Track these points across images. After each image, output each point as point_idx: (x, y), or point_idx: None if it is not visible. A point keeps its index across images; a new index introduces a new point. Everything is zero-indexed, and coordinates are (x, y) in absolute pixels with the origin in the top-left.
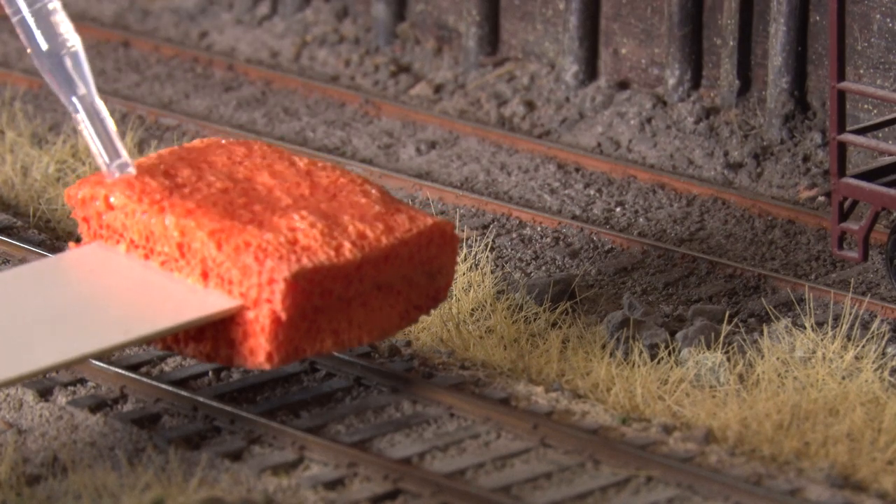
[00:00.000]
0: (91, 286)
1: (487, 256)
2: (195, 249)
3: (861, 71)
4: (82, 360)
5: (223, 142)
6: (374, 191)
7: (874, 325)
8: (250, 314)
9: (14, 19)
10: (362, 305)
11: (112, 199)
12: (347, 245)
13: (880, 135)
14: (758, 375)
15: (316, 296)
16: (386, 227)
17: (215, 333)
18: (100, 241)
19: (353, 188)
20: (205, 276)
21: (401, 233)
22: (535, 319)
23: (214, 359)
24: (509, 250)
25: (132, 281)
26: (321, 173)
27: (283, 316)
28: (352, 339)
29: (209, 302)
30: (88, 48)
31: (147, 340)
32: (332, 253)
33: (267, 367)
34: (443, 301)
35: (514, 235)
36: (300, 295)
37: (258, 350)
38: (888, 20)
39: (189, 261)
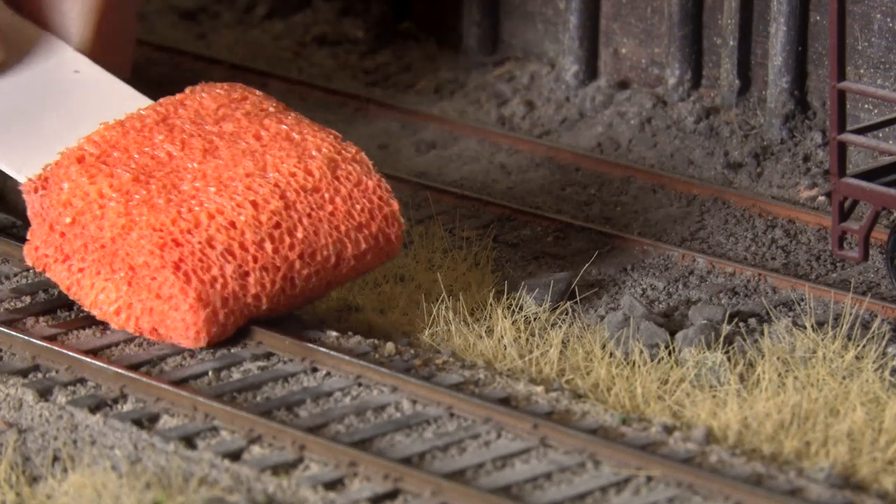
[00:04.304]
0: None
1: (487, 256)
2: None
3: (861, 70)
4: None
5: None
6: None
7: (875, 325)
8: None
9: None
10: None
11: None
12: None
13: (881, 135)
14: (758, 375)
15: None
16: None
17: None
18: None
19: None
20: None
21: None
22: (535, 319)
23: None
24: (509, 250)
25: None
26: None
27: None
28: None
29: None
30: None
31: None
32: None
33: None
34: None
35: (514, 235)
36: None
37: None
38: (888, 20)
39: None
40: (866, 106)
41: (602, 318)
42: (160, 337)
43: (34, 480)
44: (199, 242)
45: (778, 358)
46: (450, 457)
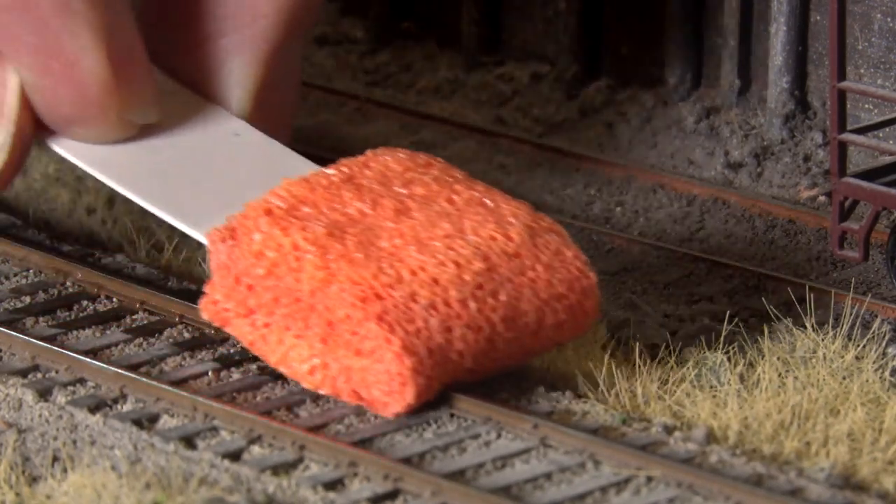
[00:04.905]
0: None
1: None
2: None
3: (861, 70)
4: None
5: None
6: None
7: (875, 325)
8: None
9: None
10: None
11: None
12: None
13: (881, 135)
14: (758, 375)
15: None
16: None
17: None
18: None
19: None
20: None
21: None
22: None
23: None
24: None
25: None
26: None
27: None
28: None
29: None
30: None
31: None
32: None
33: None
34: None
35: None
36: None
37: None
38: (889, 20)
39: None
40: (867, 106)
41: (602, 318)
42: (360, 399)
43: (34, 480)
44: (402, 297)
45: (778, 358)
46: (450, 457)
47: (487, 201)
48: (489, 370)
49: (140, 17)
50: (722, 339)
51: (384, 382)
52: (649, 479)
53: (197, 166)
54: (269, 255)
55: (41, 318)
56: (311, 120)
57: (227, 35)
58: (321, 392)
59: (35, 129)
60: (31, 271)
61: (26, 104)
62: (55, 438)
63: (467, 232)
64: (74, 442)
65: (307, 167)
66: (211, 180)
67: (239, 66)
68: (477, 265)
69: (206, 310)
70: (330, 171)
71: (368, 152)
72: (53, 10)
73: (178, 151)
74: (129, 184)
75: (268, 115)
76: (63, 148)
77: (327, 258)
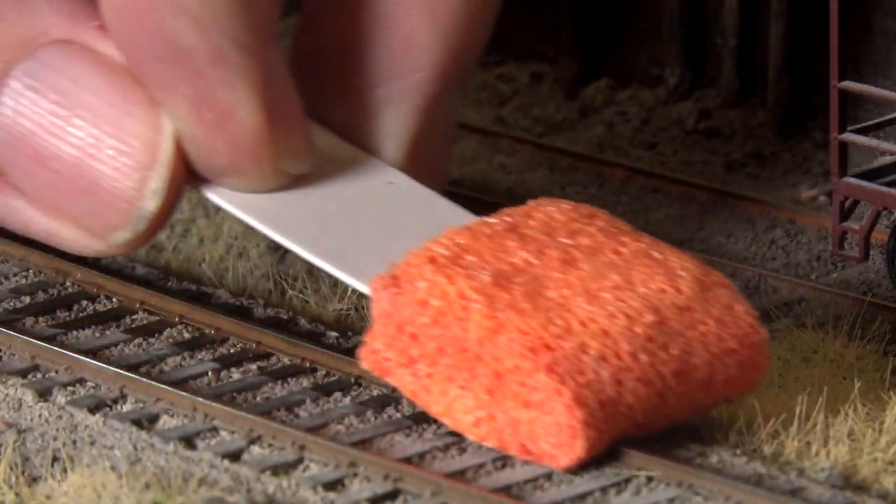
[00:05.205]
0: None
1: None
2: None
3: (862, 71)
4: None
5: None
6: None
7: (875, 325)
8: None
9: None
10: None
11: None
12: None
13: (881, 135)
14: None
15: None
16: None
17: None
18: None
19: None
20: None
21: None
22: None
23: None
24: None
25: None
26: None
27: None
28: None
29: None
30: None
31: None
32: None
33: None
34: None
35: None
36: None
37: None
38: (889, 20)
39: None
40: (867, 106)
41: None
42: (528, 453)
43: (33, 481)
44: (573, 348)
45: (778, 358)
46: (450, 457)
47: (655, 253)
48: (658, 425)
49: (293, 66)
50: None
51: (553, 435)
52: (649, 479)
53: (352, 215)
54: (434, 304)
55: (41, 318)
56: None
57: (382, 86)
58: (486, 444)
59: (188, 177)
60: (30, 271)
61: (180, 152)
62: (55, 439)
63: (636, 284)
64: (74, 442)
65: (464, 217)
66: (367, 229)
67: (394, 118)
68: (648, 318)
69: (366, 359)
70: (492, 220)
71: (531, 202)
72: (209, 60)
73: (332, 200)
74: (285, 231)
75: (422, 165)
76: (216, 195)
77: (495, 307)
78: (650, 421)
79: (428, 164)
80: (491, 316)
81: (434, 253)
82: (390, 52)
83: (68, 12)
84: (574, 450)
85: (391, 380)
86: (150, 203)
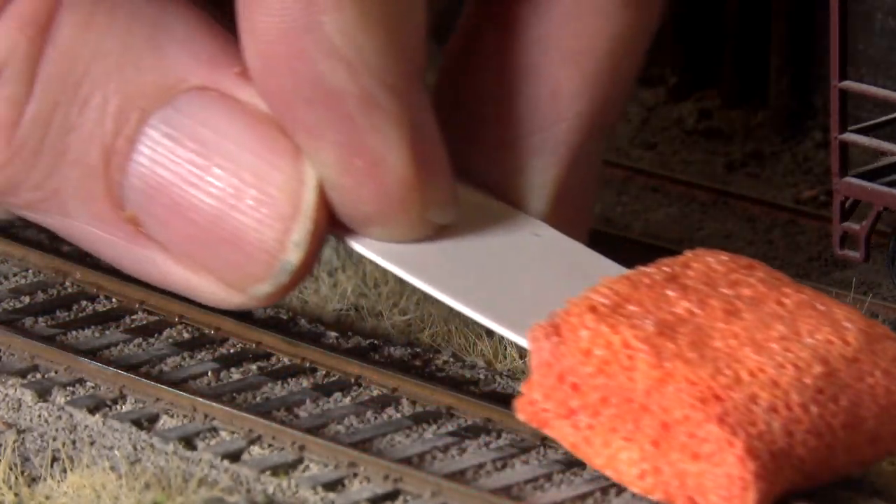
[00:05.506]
0: None
1: None
2: None
3: (862, 70)
4: None
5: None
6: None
7: None
8: None
9: None
10: None
11: None
12: None
13: (881, 135)
14: None
15: None
16: None
17: None
18: None
19: None
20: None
21: None
22: None
23: None
24: None
25: None
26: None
27: None
28: None
29: None
30: None
31: None
32: None
33: None
34: None
35: None
36: None
37: None
38: (889, 20)
39: None
40: (867, 106)
41: None
42: None
43: (33, 481)
44: (742, 398)
45: None
46: (450, 457)
47: (818, 305)
48: (825, 478)
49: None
50: None
51: (724, 487)
52: None
53: (498, 266)
54: (597, 353)
55: (40, 318)
56: None
57: (526, 137)
58: (652, 498)
59: (330, 226)
60: (30, 271)
61: (323, 202)
62: (54, 439)
63: (803, 335)
64: (74, 442)
65: (612, 267)
66: (515, 280)
67: (538, 169)
68: (817, 369)
69: (524, 411)
70: (650, 269)
71: (688, 252)
72: (359, 105)
73: (476, 251)
74: (434, 282)
75: (565, 215)
76: (360, 245)
77: (661, 357)
78: (818, 473)
79: (571, 214)
80: (658, 366)
81: (594, 302)
82: (535, 102)
83: (207, 59)
84: (745, 502)
85: (549, 431)
86: (293, 255)
